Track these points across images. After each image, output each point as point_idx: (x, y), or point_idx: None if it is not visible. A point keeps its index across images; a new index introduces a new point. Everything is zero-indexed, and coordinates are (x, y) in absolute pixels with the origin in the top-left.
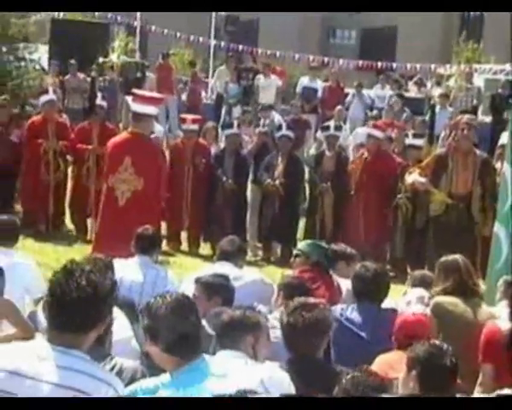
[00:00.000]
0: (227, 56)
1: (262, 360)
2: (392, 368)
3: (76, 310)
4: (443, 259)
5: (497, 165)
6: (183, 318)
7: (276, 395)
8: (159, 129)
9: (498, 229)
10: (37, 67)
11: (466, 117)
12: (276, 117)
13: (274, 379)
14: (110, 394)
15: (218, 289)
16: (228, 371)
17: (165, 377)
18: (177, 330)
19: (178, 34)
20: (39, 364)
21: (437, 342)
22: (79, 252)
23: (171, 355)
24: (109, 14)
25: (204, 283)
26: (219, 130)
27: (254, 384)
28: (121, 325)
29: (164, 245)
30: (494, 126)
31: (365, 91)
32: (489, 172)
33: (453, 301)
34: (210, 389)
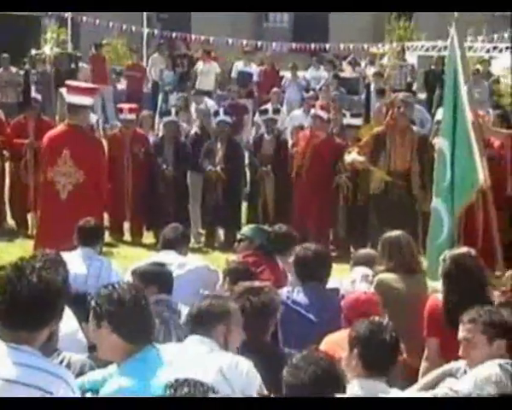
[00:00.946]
0: (160, 44)
1: (234, 350)
2: (341, 347)
3: (28, 308)
4: (385, 236)
5: (434, 141)
6: (129, 306)
7: (235, 384)
8: (95, 119)
9: (437, 204)
10: None
11: (402, 95)
12: (209, 103)
13: (234, 368)
14: (62, 388)
15: (152, 277)
16: (180, 359)
17: (112, 368)
18: (133, 318)
19: (111, 24)
20: None
21: (376, 318)
22: (21, 247)
23: (126, 341)
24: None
25: (139, 273)
26: (157, 118)
27: (212, 372)
28: (67, 318)
29: (107, 236)
30: (429, 103)
31: (300, 73)
32: (426, 148)
33: (396, 278)
34: (157, 376)
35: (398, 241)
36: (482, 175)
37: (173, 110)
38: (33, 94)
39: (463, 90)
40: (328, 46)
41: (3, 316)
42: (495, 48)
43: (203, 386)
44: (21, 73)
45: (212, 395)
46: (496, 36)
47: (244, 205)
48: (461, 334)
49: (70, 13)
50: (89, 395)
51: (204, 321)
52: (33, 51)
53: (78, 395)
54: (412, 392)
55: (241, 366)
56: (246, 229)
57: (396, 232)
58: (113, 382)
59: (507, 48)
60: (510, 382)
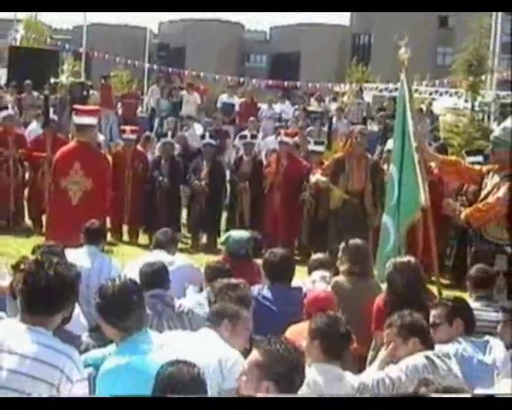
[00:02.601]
0: (158, 77)
1: (238, 345)
2: (302, 336)
3: (44, 297)
4: (345, 244)
5: (385, 166)
6: (128, 298)
7: (227, 380)
8: (102, 138)
9: (386, 220)
10: None
11: (359, 127)
12: (197, 126)
13: (231, 366)
14: (68, 363)
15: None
16: (170, 343)
17: (111, 348)
18: (123, 308)
19: (118, 59)
20: (12, 339)
21: (331, 313)
22: (36, 243)
23: (118, 329)
24: (59, 42)
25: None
26: (154, 138)
27: (212, 359)
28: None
29: (108, 236)
30: (381, 134)
31: (274, 106)
32: (378, 172)
33: (350, 280)
34: (150, 356)
35: (357, 250)
36: (424, 196)
37: (169, 133)
38: (51, 115)
39: (410, 124)
40: (298, 84)
41: (24, 302)
42: (436, 91)
43: (191, 367)
44: (42, 97)
45: (197, 378)
46: (437, 81)
47: (224, 214)
48: (384, 338)
49: (84, 48)
50: (90, 369)
51: (215, 316)
52: (52, 80)
53: (81, 369)
54: (361, 377)
55: (235, 358)
56: (225, 238)
57: (357, 241)
58: (111, 359)
59: (446, 92)
60: (434, 369)
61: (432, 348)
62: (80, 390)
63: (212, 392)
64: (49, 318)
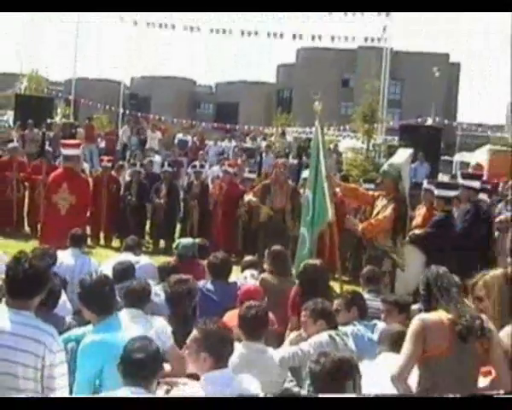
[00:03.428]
0: (129, 120)
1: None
2: (235, 319)
3: (22, 284)
4: (270, 249)
5: (301, 190)
6: (102, 288)
7: (163, 340)
8: (86, 165)
9: (303, 231)
10: (6, 125)
11: (282, 160)
12: (158, 158)
13: (163, 332)
14: (49, 339)
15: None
16: (131, 325)
17: (89, 327)
18: (97, 296)
19: (99, 105)
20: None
21: (254, 302)
22: (33, 246)
23: (94, 313)
24: (54, 92)
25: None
26: (126, 166)
27: (151, 333)
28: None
29: (89, 241)
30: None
31: (219, 143)
32: (296, 195)
33: (273, 277)
34: (119, 334)
35: (278, 252)
36: (331, 213)
37: (137, 162)
38: (47, 147)
39: (322, 159)
40: (237, 127)
41: (7, 290)
42: (340, 135)
43: (150, 341)
44: (40, 133)
45: (155, 349)
46: (341, 127)
47: (178, 226)
48: (301, 318)
49: (73, 96)
50: (73, 343)
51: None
52: (48, 120)
53: (60, 342)
54: (279, 351)
55: (168, 330)
56: (177, 243)
57: (276, 247)
58: (89, 336)
59: (347, 135)
60: (334, 344)
61: (335, 328)
62: (59, 358)
63: None
64: (28, 301)
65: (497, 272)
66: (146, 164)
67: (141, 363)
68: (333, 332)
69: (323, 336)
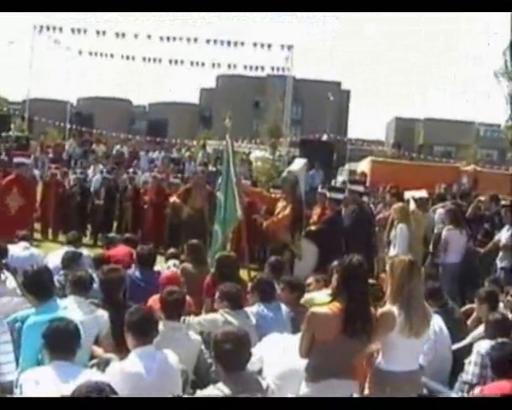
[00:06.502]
0: (74, 133)
1: None
2: (158, 302)
3: None
4: (189, 243)
5: (218, 193)
6: (39, 277)
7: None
8: (37, 172)
9: (217, 227)
10: None
11: (200, 167)
12: (100, 166)
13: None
14: None
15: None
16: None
17: (32, 310)
18: (37, 283)
19: (49, 121)
20: None
21: (172, 287)
22: None
23: (34, 297)
24: (11, 110)
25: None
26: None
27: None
28: (10, 282)
29: (38, 235)
30: (216, 173)
31: (150, 154)
32: (213, 197)
33: (191, 266)
34: (56, 316)
35: (197, 245)
36: (240, 212)
37: (78, 171)
38: (2, 157)
39: (231, 166)
40: (166, 140)
41: None
42: (251, 147)
43: (70, 321)
44: None
45: (75, 327)
46: (253, 140)
47: (115, 223)
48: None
49: (27, 113)
50: (19, 323)
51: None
52: (3, 134)
53: (5, 324)
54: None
55: (106, 316)
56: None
57: (195, 241)
58: (32, 318)
59: (257, 147)
60: (226, 321)
61: (238, 308)
62: (3, 337)
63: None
64: None
65: (404, 257)
66: (89, 171)
67: (60, 338)
68: (225, 311)
69: (217, 315)
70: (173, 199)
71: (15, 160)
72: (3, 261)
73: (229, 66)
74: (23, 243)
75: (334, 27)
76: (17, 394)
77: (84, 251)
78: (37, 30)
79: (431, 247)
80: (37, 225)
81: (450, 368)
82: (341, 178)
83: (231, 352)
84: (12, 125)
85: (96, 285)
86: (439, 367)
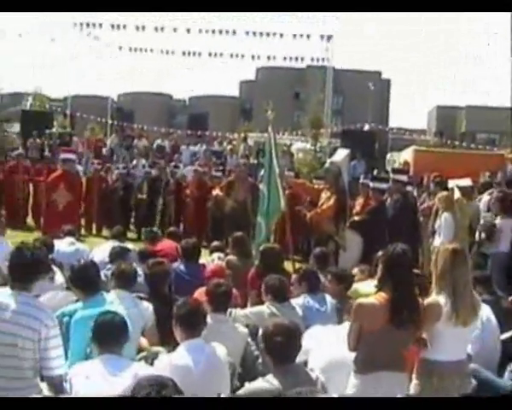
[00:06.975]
0: (116, 129)
1: None
2: (204, 294)
3: (23, 270)
4: (234, 236)
5: (260, 186)
6: (86, 272)
7: (144, 315)
8: (80, 168)
9: (260, 219)
10: (14, 135)
11: (243, 160)
12: (143, 160)
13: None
14: (44, 316)
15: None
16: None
17: (79, 304)
18: (84, 278)
19: (92, 117)
20: (3, 299)
21: (220, 280)
22: (36, 236)
23: (81, 292)
24: (54, 107)
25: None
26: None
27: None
28: (58, 277)
29: (83, 231)
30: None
31: (191, 147)
32: (255, 190)
33: (237, 259)
34: (103, 308)
35: (241, 239)
36: (283, 204)
37: (121, 166)
38: (46, 153)
39: (274, 159)
40: (207, 133)
41: (11, 276)
42: (293, 139)
43: (118, 315)
44: (39, 142)
45: (123, 320)
46: (294, 132)
47: (158, 217)
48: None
49: (69, 110)
50: (67, 318)
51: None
52: (47, 130)
53: (54, 318)
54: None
55: (150, 308)
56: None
57: (238, 233)
58: (79, 312)
59: (299, 139)
60: (272, 313)
61: (283, 300)
62: (53, 332)
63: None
64: (28, 284)
65: (448, 245)
66: (132, 166)
67: (108, 332)
68: (271, 304)
69: (263, 307)
70: (216, 192)
71: (62, 156)
72: (50, 257)
73: (268, 57)
74: (69, 239)
75: (334, 27)
76: (67, 388)
77: (129, 245)
78: (77, 27)
79: (477, 236)
80: (81, 221)
81: (498, 359)
82: (389, 167)
83: (282, 344)
84: (55, 123)
85: (140, 279)
86: (487, 357)
